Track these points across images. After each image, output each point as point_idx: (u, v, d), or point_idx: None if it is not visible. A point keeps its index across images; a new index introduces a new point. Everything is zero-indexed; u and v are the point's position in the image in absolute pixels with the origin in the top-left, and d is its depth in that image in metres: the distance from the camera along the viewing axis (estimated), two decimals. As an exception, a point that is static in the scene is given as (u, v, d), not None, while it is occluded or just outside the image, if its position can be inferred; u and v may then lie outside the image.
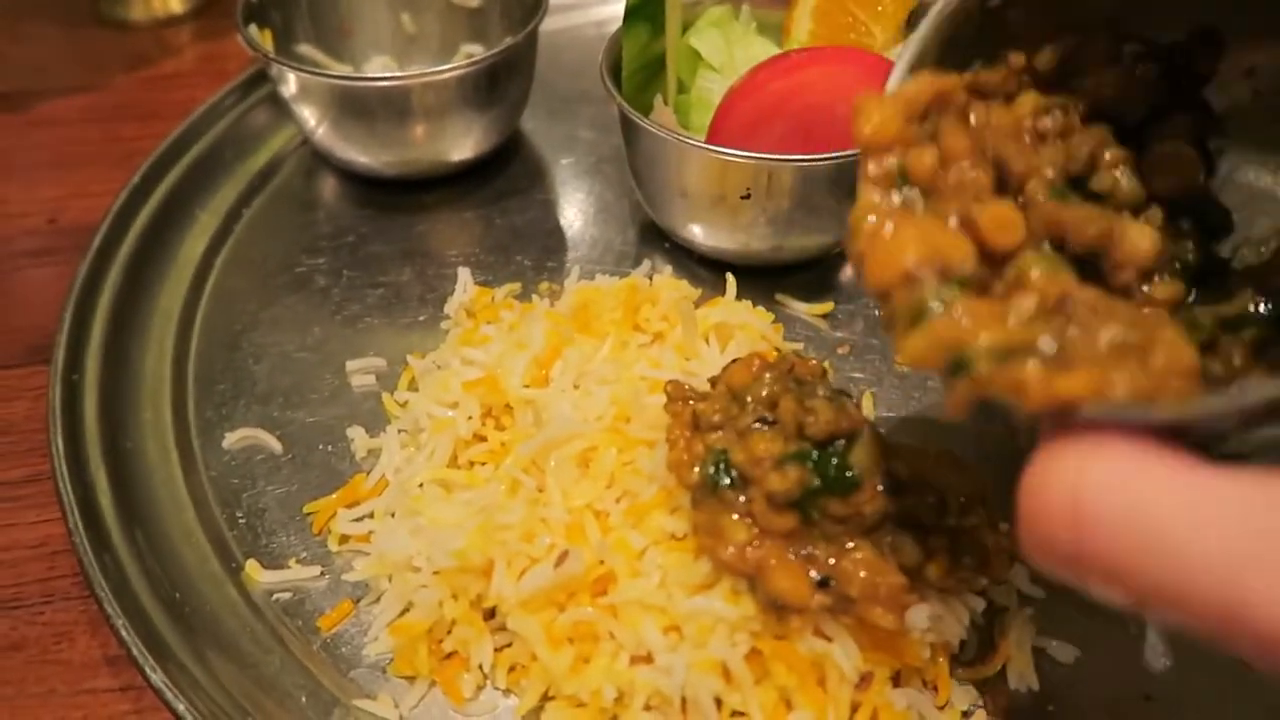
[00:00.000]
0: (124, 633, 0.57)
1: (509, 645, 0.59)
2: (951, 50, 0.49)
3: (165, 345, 0.80)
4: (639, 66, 0.80)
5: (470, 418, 0.67)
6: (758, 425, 0.58)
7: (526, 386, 0.68)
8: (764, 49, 0.85)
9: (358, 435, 0.72)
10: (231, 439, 0.73)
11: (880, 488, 0.56)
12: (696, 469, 0.58)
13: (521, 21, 0.92)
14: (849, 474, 0.55)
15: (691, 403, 0.62)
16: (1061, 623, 0.62)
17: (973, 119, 0.47)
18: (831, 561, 0.55)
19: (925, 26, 0.48)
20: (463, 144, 0.92)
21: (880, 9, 0.85)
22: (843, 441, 0.57)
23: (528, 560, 0.58)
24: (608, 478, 0.62)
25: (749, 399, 0.60)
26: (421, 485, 0.66)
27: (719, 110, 0.77)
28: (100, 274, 0.82)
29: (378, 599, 0.63)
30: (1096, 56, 0.50)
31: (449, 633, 0.60)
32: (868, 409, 0.75)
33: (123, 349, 0.78)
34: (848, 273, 0.85)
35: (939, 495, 0.58)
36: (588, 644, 0.57)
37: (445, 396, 0.69)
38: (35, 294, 0.88)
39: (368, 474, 0.70)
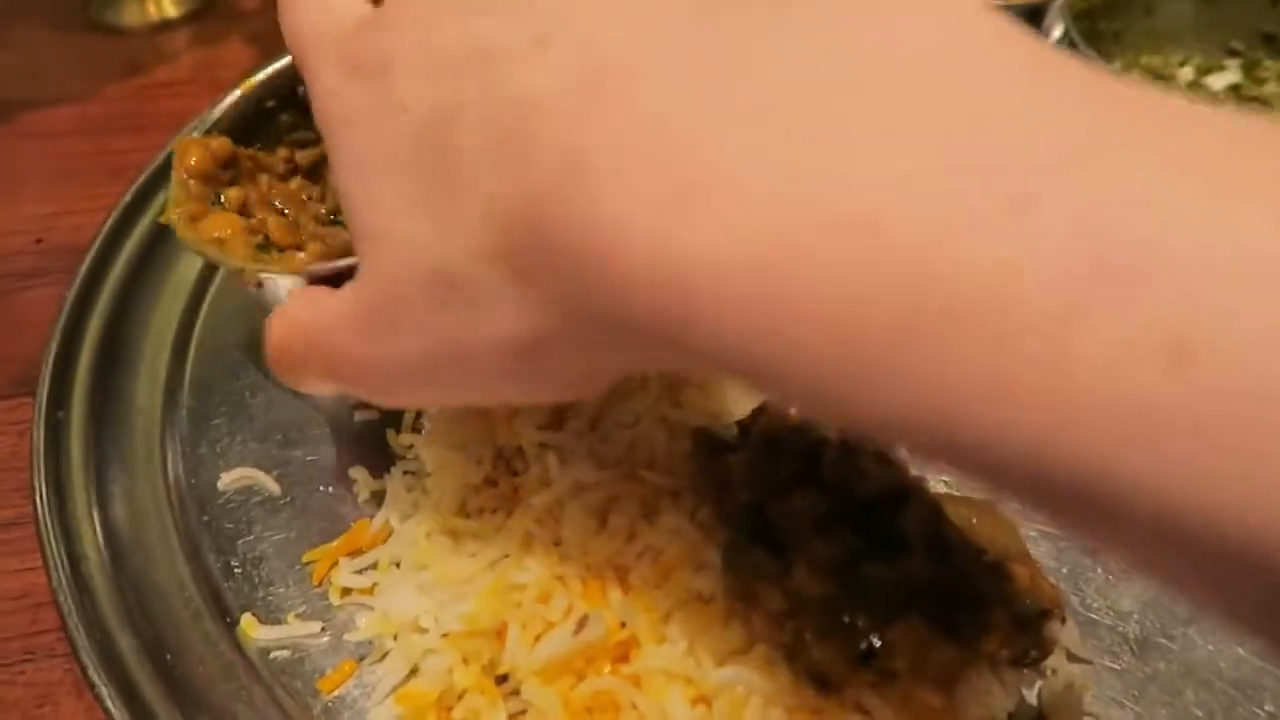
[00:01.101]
0: (109, 702, 0.53)
1: (523, 713, 0.55)
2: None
3: (158, 376, 0.76)
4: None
5: (480, 462, 0.63)
6: (796, 480, 0.54)
7: (541, 428, 0.64)
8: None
9: (361, 476, 0.68)
10: (227, 479, 0.69)
11: (931, 553, 0.52)
12: (728, 527, 0.54)
13: None
14: (894, 537, 0.52)
15: (722, 452, 0.58)
16: (1111, 689, 0.58)
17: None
18: (876, 632, 0.51)
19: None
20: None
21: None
22: (890, 503, 0.53)
23: (544, 624, 0.54)
24: (628, 531, 0.58)
25: (786, 451, 0.56)
26: (428, 535, 0.61)
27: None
28: (89, 299, 0.78)
29: (382, 657, 0.59)
30: None
31: (459, 699, 0.56)
32: (900, 448, 0.70)
33: (112, 381, 0.74)
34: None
35: (996, 560, 0.54)
36: (609, 715, 0.53)
37: (453, 437, 0.65)
38: (22, 320, 0.83)
39: (371, 519, 0.65)
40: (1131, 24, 0.93)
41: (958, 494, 0.65)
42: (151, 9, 1.21)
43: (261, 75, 0.76)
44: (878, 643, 0.51)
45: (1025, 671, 0.56)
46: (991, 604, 0.53)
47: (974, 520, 0.60)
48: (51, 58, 1.18)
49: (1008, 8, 0.88)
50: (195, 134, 0.71)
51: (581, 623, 0.53)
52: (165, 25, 1.21)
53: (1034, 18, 0.92)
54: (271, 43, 1.16)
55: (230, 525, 0.67)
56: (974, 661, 0.53)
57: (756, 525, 0.54)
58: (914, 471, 0.56)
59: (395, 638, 0.58)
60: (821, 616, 0.51)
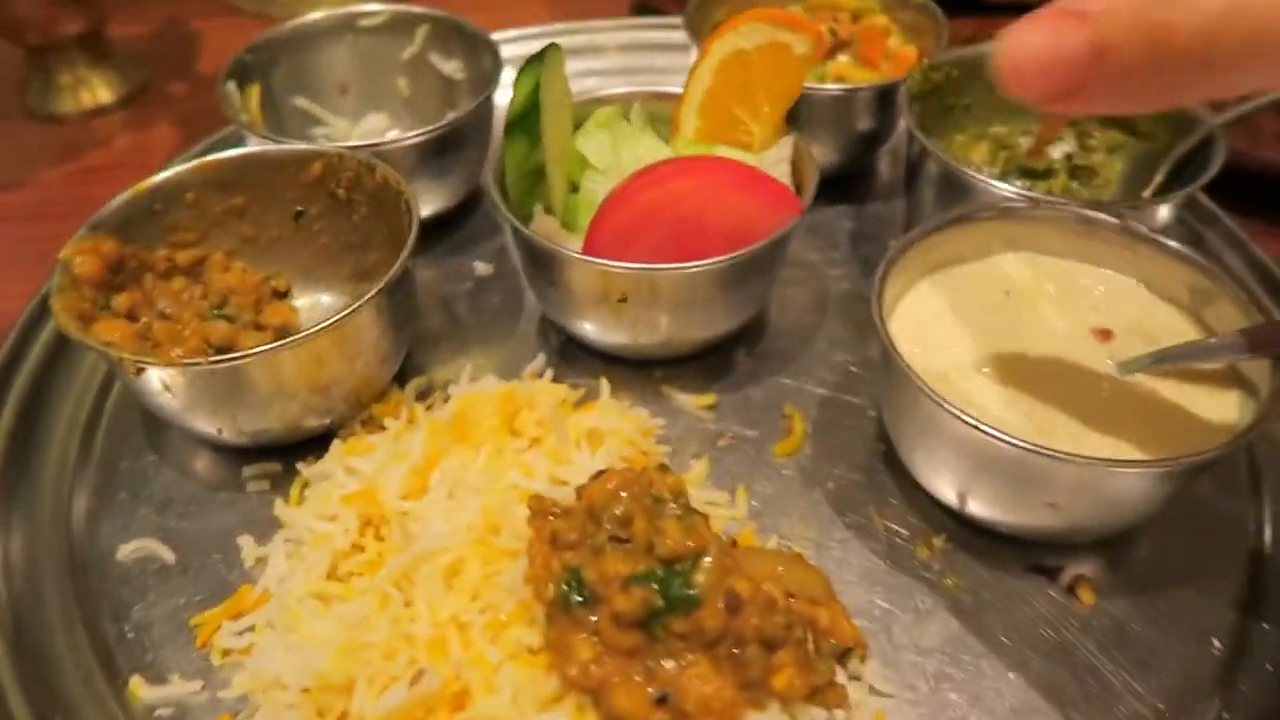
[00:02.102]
0: (-1, 761, 0.60)
1: (374, 759, 0.62)
2: None
3: (68, 455, 0.83)
4: (521, 175, 0.83)
5: (348, 530, 0.70)
6: (612, 544, 0.61)
7: (404, 498, 0.71)
8: (651, 148, 0.88)
9: (247, 544, 0.75)
10: (126, 550, 0.75)
11: (722, 605, 0.59)
12: (552, 586, 0.61)
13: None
14: (691, 593, 0.58)
15: (552, 519, 0.65)
16: (907, 719, 0.65)
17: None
18: (671, 678, 0.58)
19: None
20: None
21: (759, 109, 0.88)
22: (689, 561, 0.60)
23: (389, 678, 0.61)
24: (473, 590, 0.65)
25: (605, 517, 0.63)
26: (300, 599, 0.68)
27: (595, 218, 0.80)
28: (6, 381, 0.85)
29: (254, 713, 0.65)
30: None
31: (317, 749, 0.63)
32: (741, 502, 0.77)
33: (24, 458, 0.81)
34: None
35: (787, 613, 0.61)
36: (445, 759, 0.60)
37: (326, 509, 0.72)
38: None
39: (255, 584, 0.72)
40: (979, 98, 1.01)
41: (765, 548, 0.72)
42: (86, 97, 1.28)
43: (153, 180, 0.83)
44: (672, 685, 0.58)
45: (817, 712, 0.62)
46: (778, 647, 0.60)
47: (780, 569, 0.67)
48: (-10, 147, 1.25)
49: (856, 90, 0.97)
50: (84, 231, 0.78)
51: (417, 676, 0.60)
52: (100, 111, 1.29)
53: (884, 98, 1.00)
54: (199, 126, 1.24)
55: (126, 592, 0.73)
56: (764, 701, 0.60)
57: (576, 584, 0.60)
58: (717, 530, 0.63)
59: (264, 694, 0.65)
60: (625, 665, 0.58)
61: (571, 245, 0.80)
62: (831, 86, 1.01)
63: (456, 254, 1.03)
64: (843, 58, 1.13)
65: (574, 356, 0.90)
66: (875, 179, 1.13)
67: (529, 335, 0.94)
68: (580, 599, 0.60)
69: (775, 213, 0.79)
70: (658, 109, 0.94)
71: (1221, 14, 0.40)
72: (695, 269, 0.76)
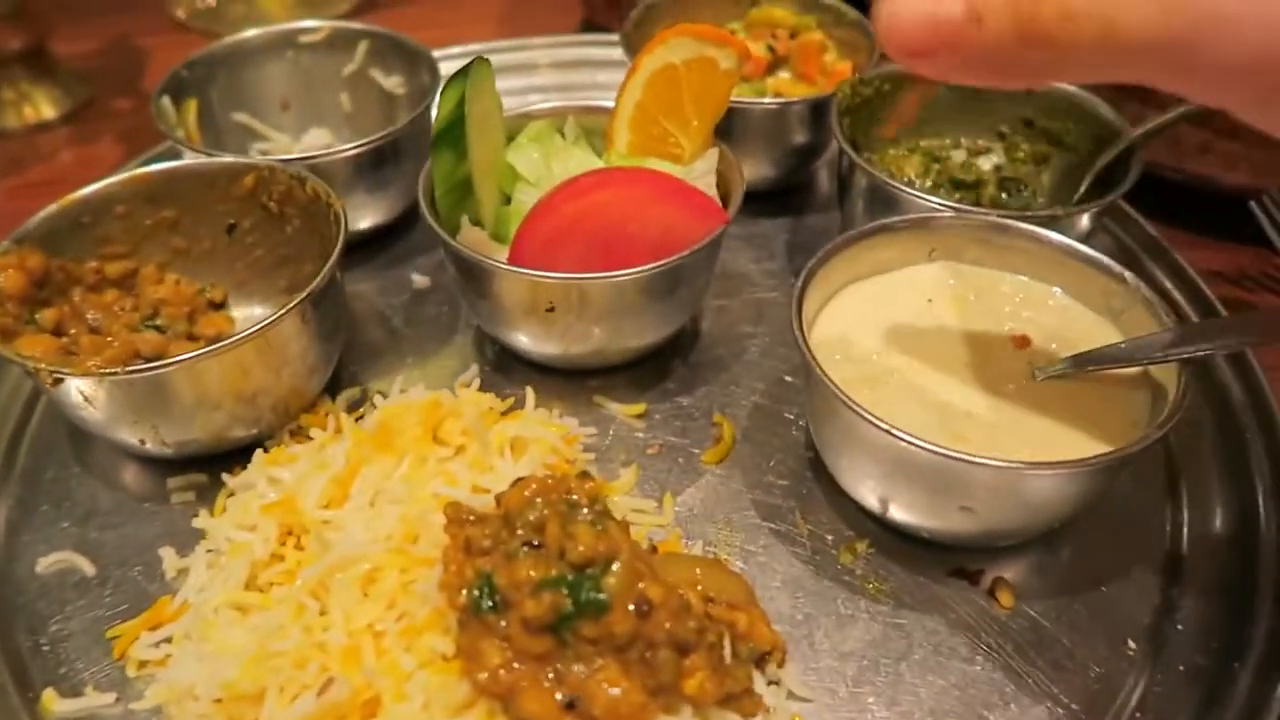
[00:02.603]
0: (-101, 776, 0.59)
1: (286, 770, 0.61)
2: None
3: (-9, 467, 0.82)
4: (449, 188, 0.83)
5: (267, 540, 0.70)
6: (524, 549, 0.61)
7: (325, 507, 0.71)
8: (582, 161, 0.89)
9: (168, 555, 0.74)
10: (45, 563, 0.75)
11: (632, 609, 0.59)
12: (464, 592, 0.61)
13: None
14: (600, 598, 0.58)
15: (467, 525, 0.64)
16: (825, 722, 0.65)
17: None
18: (579, 682, 0.58)
19: None
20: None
21: (688, 123, 0.89)
22: (599, 566, 0.60)
23: (300, 687, 0.61)
24: (389, 598, 0.65)
25: (519, 523, 0.63)
26: (216, 609, 0.68)
27: (520, 228, 0.81)
28: (-70, 398, 0.84)
29: (167, 725, 0.65)
30: None
31: (227, 760, 0.62)
32: (668, 509, 0.78)
33: (-55, 475, 0.80)
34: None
35: (702, 617, 0.61)
36: (355, 768, 0.60)
37: (246, 519, 0.72)
38: None
39: (174, 595, 0.72)
40: (910, 112, 1.03)
41: (686, 554, 0.72)
42: (29, 112, 1.28)
43: (81, 192, 0.83)
44: (581, 690, 0.57)
45: (731, 716, 0.62)
46: (690, 651, 0.60)
47: (698, 573, 0.67)
48: (-71, 162, 1.24)
49: (789, 104, 0.98)
50: (7, 242, 0.78)
51: (325, 686, 0.59)
52: (43, 127, 1.28)
53: (816, 111, 1.02)
54: (142, 141, 1.24)
55: (43, 605, 0.72)
56: (676, 705, 0.60)
57: (487, 589, 0.60)
58: (626, 536, 0.63)
59: (177, 705, 0.64)
60: (535, 670, 0.58)
61: (499, 257, 0.81)
62: (766, 101, 1.03)
63: (394, 267, 1.03)
64: (782, 74, 1.15)
65: (509, 368, 0.90)
66: (812, 192, 1.14)
67: (465, 347, 0.94)
68: (491, 604, 0.59)
69: (701, 223, 0.80)
70: (592, 123, 0.95)
71: (1081, 7, 0.44)
72: (620, 277, 0.77)
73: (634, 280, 0.78)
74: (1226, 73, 0.44)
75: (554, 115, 0.94)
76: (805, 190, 1.14)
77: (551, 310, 0.79)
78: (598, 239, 0.79)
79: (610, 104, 0.93)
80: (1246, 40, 0.42)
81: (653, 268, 0.77)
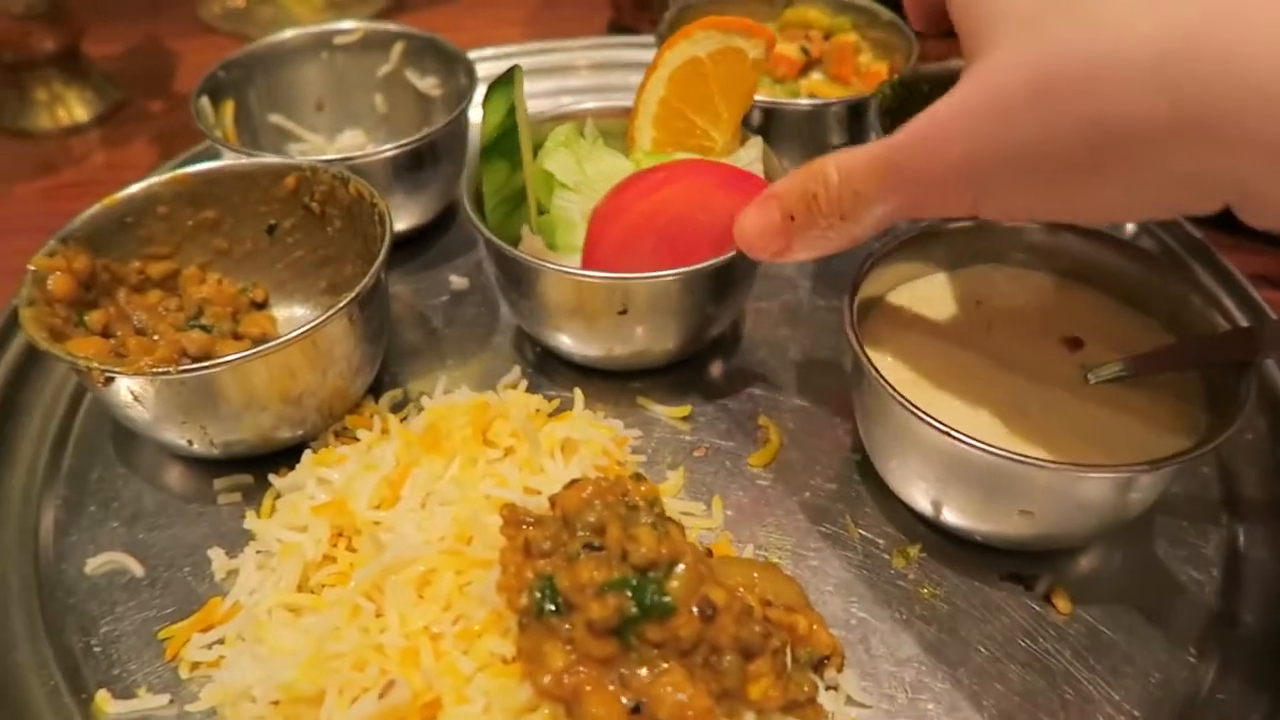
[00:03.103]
0: (-43, 777, 0.58)
1: (344, 773, 0.61)
2: None
3: (36, 467, 0.82)
4: (502, 199, 0.83)
5: (319, 541, 0.69)
6: (585, 552, 0.61)
7: (376, 508, 0.71)
8: (612, 161, 0.89)
9: (217, 556, 0.74)
10: (94, 563, 0.74)
11: (696, 612, 0.58)
12: (524, 594, 0.60)
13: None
14: (665, 601, 0.58)
15: (525, 527, 0.64)
16: (884, 728, 0.65)
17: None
18: (645, 686, 0.57)
19: None
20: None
21: (718, 115, 0.89)
22: (663, 569, 0.59)
23: (359, 689, 0.60)
24: (445, 600, 0.65)
25: (579, 525, 0.62)
26: (269, 610, 0.67)
27: (590, 234, 0.80)
28: (-26, 398, 0.84)
29: (222, 727, 0.65)
30: None
31: (285, 762, 0.62)
32: (717, 511, 0.77)
33: (-9, 474, 0.80)
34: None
35: (764, 621, 0.61)
36: (416, 771, 0.59)
37: (296, 520, 0.71)
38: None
39: (224, 597, 0.71)
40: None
41: (740, 557, 0.72)
42: (62, 114, 1.28)
43: (124, 192, 0.83)
44: (646, 693, 0.57)
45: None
46: (755, 656, 0.59)
47: (755, 577, 0.67)
48: (-38, 163, 1.24)
49: (827, 105, 0.98)
50: (54, 242, 0.78)
51: (387, 687, 0.59)
52: (75, 129, 1.28)
53: (854, 113, 1.01)
54: (174, 142, 1.24)
55: (94, 606, 0.72)
56: (739, 711, 0.59)
57: (549, 592, 0.60)
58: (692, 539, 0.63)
59: (232, 707, 0.64)
60: (599, 674, 0.58)
61: (555, 263, 0.80)
62: (803, 101, 1.02)
63: (431, 268, 1.02)
64: (815, 75, 1.14)
65: (550, 369, 0.90)
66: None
67: (504, 348, 0.93)
68: (553, 607, 0.59)
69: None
70: (609, 126, 0.94)
71: (838, 185, 0.62)
72: (703, 269, 0.77)
73: (717, 270, 0.78)
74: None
75: (572, 118, 0.93)
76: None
77: (624, 313, 0.79)
78: (668, 234, 0.78)
79: (619, 103, 0.92)
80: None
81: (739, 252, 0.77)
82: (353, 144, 1.14)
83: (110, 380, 0.70)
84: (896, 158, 0.58)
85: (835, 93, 1.11)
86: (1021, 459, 0.62)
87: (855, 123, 1.02)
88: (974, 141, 0.53)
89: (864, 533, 0.76)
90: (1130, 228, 0.85)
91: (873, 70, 1.10)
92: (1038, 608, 0.71)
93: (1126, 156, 0.49)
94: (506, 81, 0.81)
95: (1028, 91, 0.50)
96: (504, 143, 0.80)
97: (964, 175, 0.55)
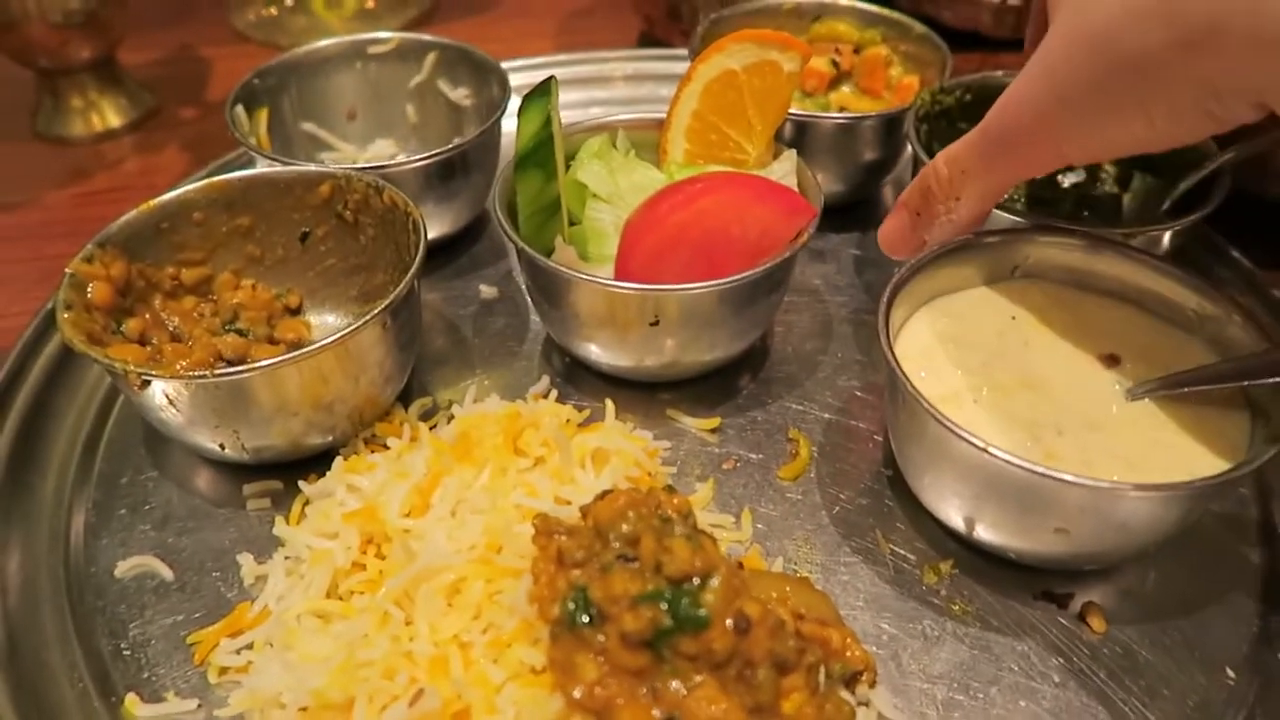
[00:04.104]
0: (-12, 778, 0.58)
1: (372, 781, 0.61)
2: None
3: (67, 471, 0.82)
4: (536, 209, 0.83)
5: (349, 548, 0.69)
6: (619, 563, 0.60)
7: (406, 515, 0.71)
8: (645, 173, 0.89)
9: (246, 562, 0.74)
10: (124, 567, 0.74)
11: (730, 625, 0.58)
12: (557, 604, 0.60)
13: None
14: (700, 613, 0.57)
15: (558, 537, 0.64)
16: (917, 746, 0.64)
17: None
18: (678, 699, 0.57)
19: None
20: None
21: (752, 128, 0.89)
22: (697, 581, 0.59)
23: (388, 697, 0.60)
24: (475, 609, 0.64)
25: (612, 536, 0.62)
26: (299, 617, 0.67)
27: (624, 244, 0.80)
28: (7, 398, 0.84)
29: (251, 733, 0.64)
30: None
31: (314, 769, 0.61)
32: (746, 524, 0.77)
33: (23, 476, 0.80)
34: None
35: (798, 633, 0.60)
36: (445, 780, 0.59)
37: (326, 526, 0.71)
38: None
39: (253, 602, 0.71)
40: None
41: (771, 571, 0.71)
42: (95, 120, 1.29)
43: (161, 199, 0.83)
44: (679, 706, 0.56)
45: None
46: (789, 670, 0.59)
47: (788, 590, 0.66)
48: (-1, 168, 1.25)
49: (860, 119, 0.97)
50: (91, 246, 0.78)
51: (417, 696, 0.59)
52: (109, 135, 1.29)
53: (889, 126, 1.01)
54: (206, 149, 1.25)
55: (123, 609, 0.72)
56: (772, 724, 0.59)
57: (582, 602, 0.59)
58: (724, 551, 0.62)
59: (261, 713, 0.64)
60: (631, 686, 0.57)
61: (588, 273, 0.80)
62: (836, 115, 1.02)
63: (461, 277, 1.03)
64: (845, 89, 1.14)
65: (578, 379, 0.90)
66: (879, 207, 1.13)
67: (533, 358, 0.93)
68: (586, 618, 0.58)
69: (792, 220, 0.80)
70: (640, 138, 0.94)
71: (946, 172, 0.73)
72: (737, 282, 0.77)
73: (749, 283, 0.78)
74: None
75: (605, 129, 0.93)
76: (871, 206, 1.13)
77: (656, 324, 0.79)
78: (702, 246, 0.78)
79: (656, 115, 0.92)
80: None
81: (770, 264, 0.77)
82: (384, 154, 1.15)
83: (146, 383, 0.70)
84: (988, 131, 0.69)
85: (865, 106, 1.11)
86: (1058, 476, 0.62)
87: (889, 137, 1.02)
88: (1040, 100, 0.65)
89: (895, 548, 0.76)
90: (1164, 244, 0.84)
91: (904, 83, 1.10)
92: (1071, 626, 0.70)
93: (1160, 85, 0.58)
94: (543, 92, 0.81)
95: (1069, 50, 0.62)
96: (539, 153, 0.81)
97: (1041, 129, 0.65)
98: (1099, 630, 0.70)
